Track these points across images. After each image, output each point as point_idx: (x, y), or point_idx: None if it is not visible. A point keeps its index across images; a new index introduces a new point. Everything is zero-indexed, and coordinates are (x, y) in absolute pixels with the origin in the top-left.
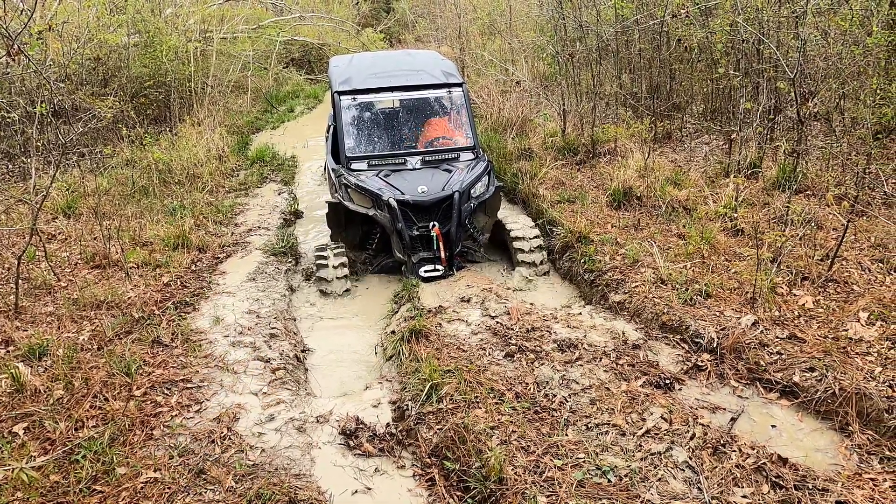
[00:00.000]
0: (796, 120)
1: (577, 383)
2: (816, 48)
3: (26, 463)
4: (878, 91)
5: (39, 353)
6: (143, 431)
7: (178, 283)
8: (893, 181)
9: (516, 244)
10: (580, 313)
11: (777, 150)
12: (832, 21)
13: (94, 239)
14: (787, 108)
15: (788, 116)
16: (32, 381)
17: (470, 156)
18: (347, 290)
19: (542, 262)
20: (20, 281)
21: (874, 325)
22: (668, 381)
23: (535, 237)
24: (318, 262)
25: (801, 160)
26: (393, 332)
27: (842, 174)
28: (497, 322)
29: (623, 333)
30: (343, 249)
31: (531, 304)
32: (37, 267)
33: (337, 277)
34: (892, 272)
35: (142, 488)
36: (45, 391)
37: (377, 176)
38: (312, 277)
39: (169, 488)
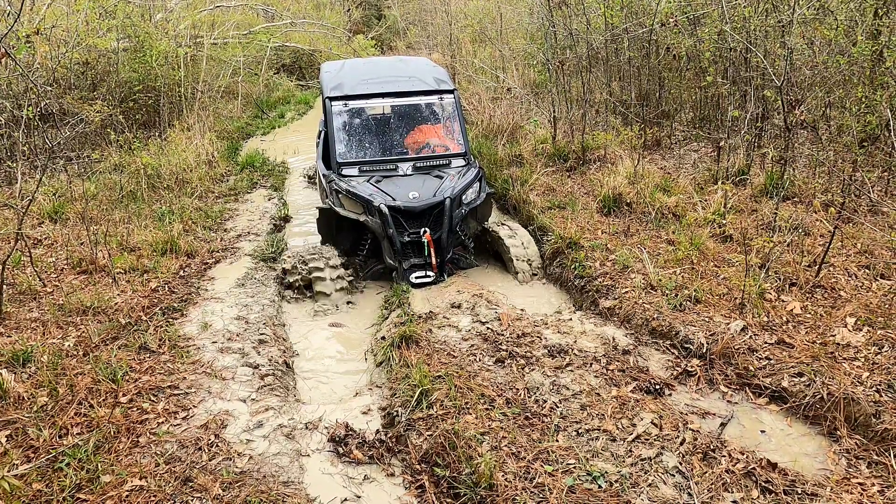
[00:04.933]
0: (783, 128)
1: (568, 389)
2: (803, 57)
3: (9, 471)
4: (863, 100)
5: (23, 359)
6: (128, 439)
7: (166, 288)
8: (879, 188)
9: (513, 251)
10: (570, 319)
11: (764, 157)
12: (818, 31)
13: (81, 244)
14: (775, 115)
15: (775, 124)
16: (16, 387)
17: (461, 162)
18: (350, 303)
19: (539, 267)
20: (5, 286)
21: (861, 330)
22: (658, 387)
23: (529, 242)
24: (317, 274)
25: (789, 167)
26: (383, 337)
27: (828, 181)
28: (488, 328)
29: (613, 339)
30: (339, 259)
31: (522, 309)
32: (22, 272)
33: (336, 290)
34: (878, 278)
35: (127, 496)
36: (28, 398)
37: (368, 182)
38: (293, 288)
39: (155, 496)
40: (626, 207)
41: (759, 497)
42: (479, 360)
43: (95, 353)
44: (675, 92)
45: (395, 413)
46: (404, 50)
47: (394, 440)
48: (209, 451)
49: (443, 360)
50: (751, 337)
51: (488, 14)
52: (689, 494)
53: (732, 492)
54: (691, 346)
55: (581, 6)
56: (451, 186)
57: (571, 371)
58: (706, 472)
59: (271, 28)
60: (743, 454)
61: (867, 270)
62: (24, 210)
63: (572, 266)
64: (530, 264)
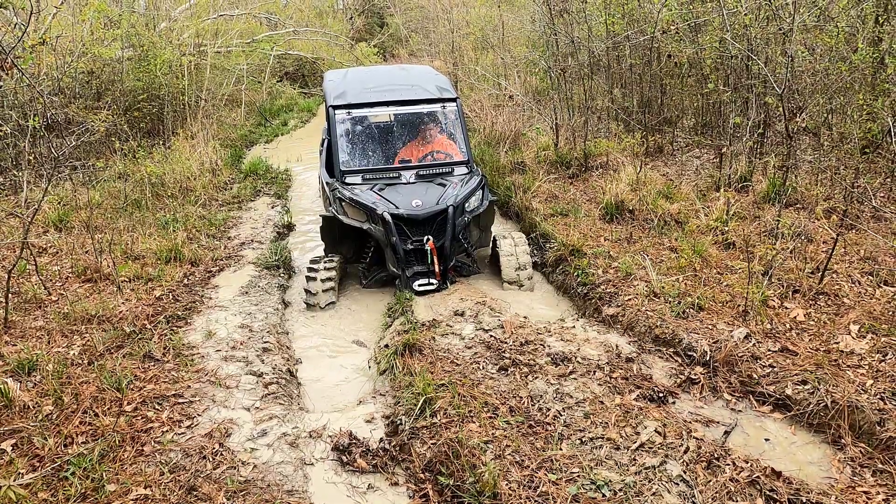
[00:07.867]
0: (785, 134)
1: (571, 397)
2: (804, 64)
3: (14, 481)
4: (865, 106)
5: (29, 368)
6: (133, 447)
7: (170, 296)
8: (881, 194)
9: (503, 260)
10: (574, 326)
11: (767, 164)
12: (819, 38)
13: (86, 252)
14: (776, 122)
15: (777, 131)
16: (21, 396)
17: (464, 170)
18: (332, 303)
19: (529, 278)
20: (10, 295)
21: (865, 337)
22: (661, 395)
23: (524, 253)
24: (308, 274)
25: (791, 174)
26: (386, 345)
27: (831, 188)
28: (491, 336)
29: (616, 346)
30: (335, 264)
31: (525, 317)
32: (27, 281)
33: (322, 291)
34: (881, 285)
35: None
36: (34, 407)
37: (371, 190)
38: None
39: None
40: (629, 214)
41: None
42: (483, 368)
43: (100, 362)
44: (676, 99)
45: (398, 421)
46: (407, 57)
47: (397, 449)
48: (213, 459)
49: (446, 367)
50: (754, 344)
51: (490, 21)
52: (693, 503)
53: (737, 500)
54: (695, 354)
55: (583, 14)
56: (454, 194)
57: (575, 379)
58: (710, 481)
59: (274, 36)
60: (747, 462)
61: (870, 277)
62: (29, 219)
63: (575, 273)
64: (519, 275)
